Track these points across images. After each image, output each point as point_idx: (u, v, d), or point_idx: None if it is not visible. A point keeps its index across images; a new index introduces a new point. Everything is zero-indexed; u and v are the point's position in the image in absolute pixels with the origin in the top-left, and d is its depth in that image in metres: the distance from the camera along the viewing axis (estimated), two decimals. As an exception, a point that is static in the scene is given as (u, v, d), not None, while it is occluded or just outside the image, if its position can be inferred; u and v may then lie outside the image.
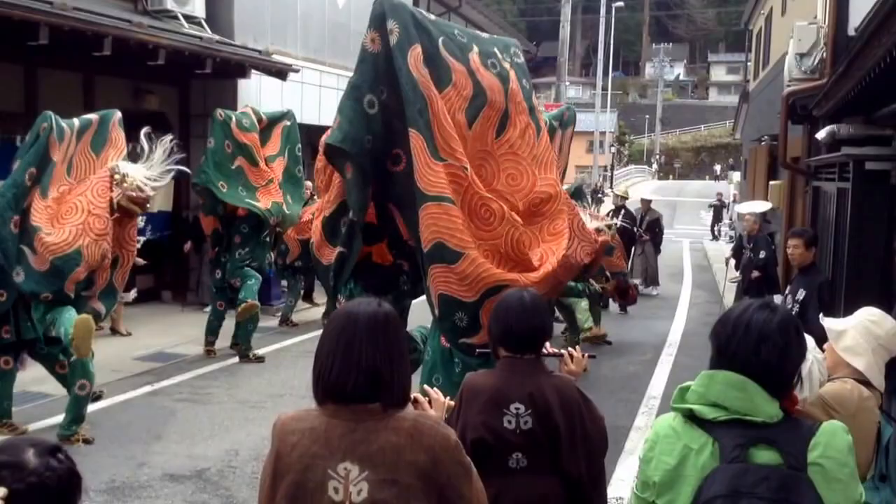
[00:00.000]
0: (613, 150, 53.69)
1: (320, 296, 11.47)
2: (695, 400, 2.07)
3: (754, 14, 23.39)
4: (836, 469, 1.97)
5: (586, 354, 3.40)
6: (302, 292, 11.87)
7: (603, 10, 42.01)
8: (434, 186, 4.39)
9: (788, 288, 6.99)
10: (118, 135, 6.98)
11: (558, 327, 9.16)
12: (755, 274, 10.13)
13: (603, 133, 47.11)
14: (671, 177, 62.38)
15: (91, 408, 6.90)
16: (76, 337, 5.92)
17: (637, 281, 14.76)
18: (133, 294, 9.96)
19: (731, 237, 24.77)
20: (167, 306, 12.03)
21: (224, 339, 9.35)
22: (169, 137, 6.93)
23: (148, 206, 6.87)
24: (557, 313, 9.50)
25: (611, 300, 13.39)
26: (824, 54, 9.50)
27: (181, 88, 12.31)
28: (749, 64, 26.13)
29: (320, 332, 2.34)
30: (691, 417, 2.07)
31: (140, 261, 9.68)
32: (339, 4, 15.20)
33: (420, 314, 5.54)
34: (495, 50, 4.96)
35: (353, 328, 2.19)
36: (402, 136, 4.47)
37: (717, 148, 64.23)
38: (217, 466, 6.02)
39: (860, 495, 2.01)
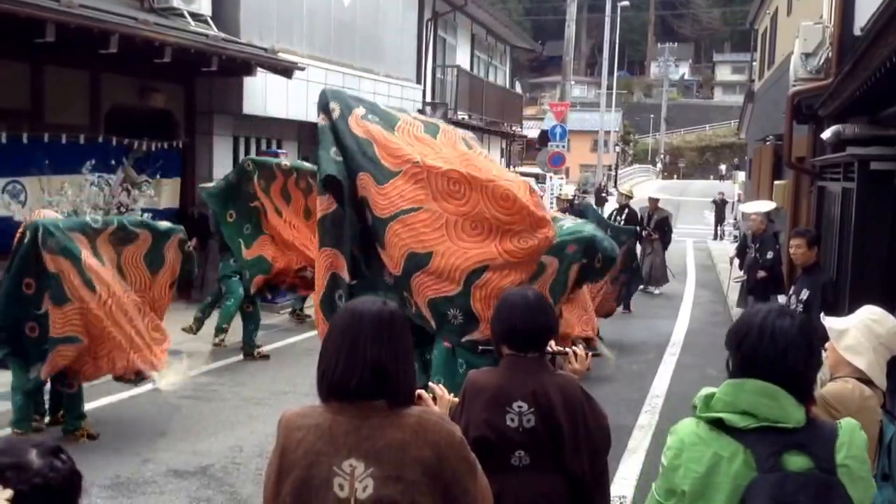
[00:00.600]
0: (618, 149, 53.66)
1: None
2: (722, 408, 2.08)
3: (760, 14, 23.36)
4: (859, 467, 2.01)
5: (590, 353, 3.41)
6: None
7: (608, 10, 41.98)
8: (386, 208, 4.52)
9: (792, 288, 6.99)
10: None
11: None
12: (761, 274, 10.13)
13: (607, 132, 47.02)
14: (675, 176, 62.30)
15: (95, 404, 6.94)
16: None
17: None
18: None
19: (734, 237, 24.75)
20: (172, 303, 12.01)
21: (234, 334, 9.38)
22: None
23: None
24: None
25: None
26: (830, 54, 9.49)
27: (187, 86, 12.33)
28: (754, 64, 26.09)
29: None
30: (718, 425, 2.07)
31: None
32: (344, 3, 15.22)
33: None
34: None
35: (357, 326, 2.19)
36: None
37: (721, 148, 64.16)
38: (221, 463, 6.05)
39: (875, 490, 2.05)
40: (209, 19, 11.70)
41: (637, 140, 68.12)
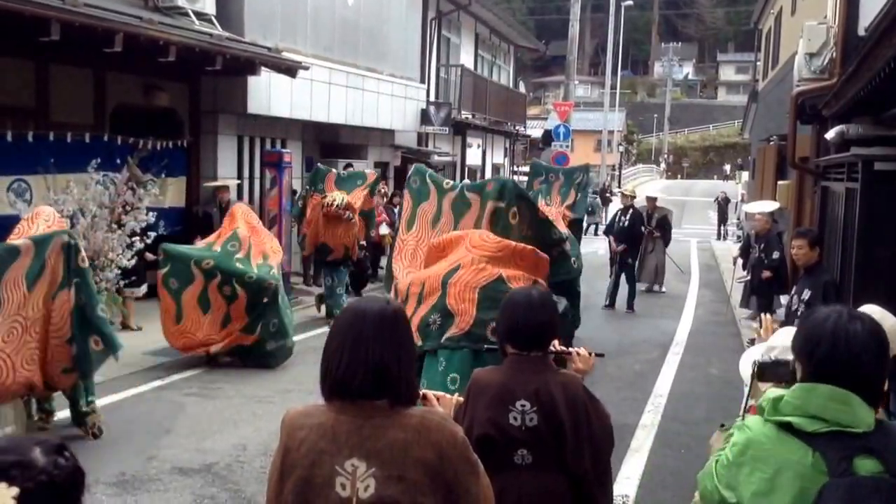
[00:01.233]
0: (621, 149, 53.55)
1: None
2: (791, 412, 2.08)
3: (764, 13, 23.34)
4: None
5: (593, 353, 3.42)
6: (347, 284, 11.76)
7: (612, 9, 41.92)
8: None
9: (794, 288, 6.99)
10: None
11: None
12: (766, 274, 10.14)
13: (611, 132, 47.00)
14: (679, 176, 62.25)
15: (101, 402, 6.94)
16: None
17: (644, 286, 14.78)
18: (143, 289, 10.03)
19: (737, 237, 24.74)
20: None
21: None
22: None
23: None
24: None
25: (615, 299, 13.42)
26: (834, 54, 9.49)
27: (191, 85, 12.36)
28: (758, 63, 26.08)
29: (328, 329, 2.36)
30: (786, 427, 2.09)
31: (150, 256, 9.75)
32: (348, 2, 15.23)
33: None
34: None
35: (360, 325, 2.19)
36: None
37: (725, 147, 64.07)
38: (225, 461, 6.07)
39: None
40: (213, 18, 11.72)
41: (641, 140, 68.04)
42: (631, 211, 13.93)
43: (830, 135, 8.11)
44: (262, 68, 11.74)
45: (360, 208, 11.11)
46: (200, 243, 9.39)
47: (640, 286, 14.33)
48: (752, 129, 26.25)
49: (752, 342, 8.68)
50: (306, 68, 12.40)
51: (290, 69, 12.06)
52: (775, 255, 10.04)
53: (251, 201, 13.00)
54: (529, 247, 4.52)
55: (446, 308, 4.50)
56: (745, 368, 3.10)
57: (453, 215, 6.19)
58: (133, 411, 7.17)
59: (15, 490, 1.37)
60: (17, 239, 6.08)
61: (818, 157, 10.26)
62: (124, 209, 9.43)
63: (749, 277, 11.65)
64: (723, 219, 28.15)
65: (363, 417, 2.14)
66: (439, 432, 2.16)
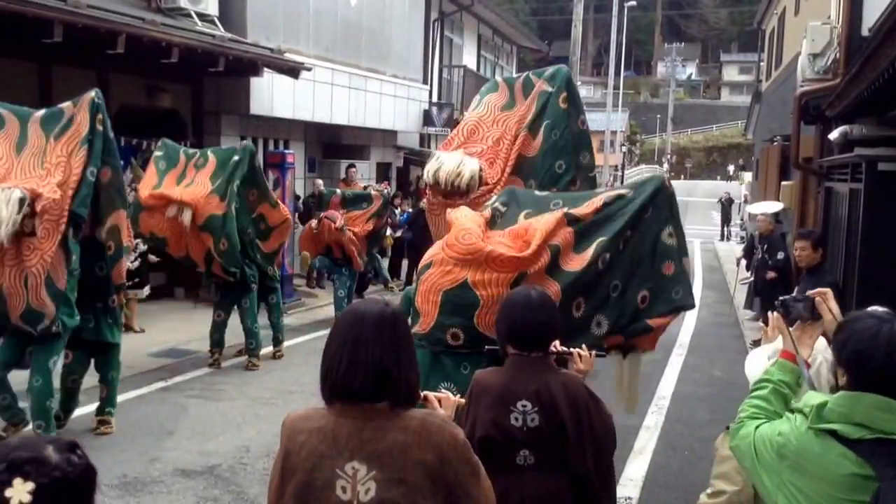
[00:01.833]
0: (624, 149, 53.53)
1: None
2: (835, 419, 2.13)
3: (767, 14, 23.31)
4: None
5: (594, 353, 3.42)
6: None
7: (615, 10, 41.89)
8: None
9: (797, 289, 6.98)
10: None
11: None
12: (771, 275, 10.10)
13: (614, 132, 46.99)
14: (682, 177, 62.18)
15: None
16: None
17: None
18: (146, 291, 10.04)
19: (741, 238, 24.70)
20: (180, 303, 12.09)
21: (237, 335, 9.39)
22: None
23: None
24: None
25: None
26: (837, 54, 9.47)
27: (194, 86, 12.37)
28: (762, 64, 26.04)
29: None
30: (829, 433, 2.14)
31: (153, 258, 9.76)
32: (351, 2, 15.23)
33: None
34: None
35: (360, 326, 2.19)
36: None
37: (728, 148, 64.01)
38: (228, 463, 6.06)
39: None
40: (216, 19, 11.73)
41: (644, 140, 67.99)
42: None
43: (834, 135, 8.10)
44: (265, 69, 11.75)
45: (364, 231, 11.10)
46: None
47: None
48: (755, 129, 26.21)
49: (755, 343, 8.68)
50: (309, 69, 12.41)
51: (292, 70, 12.07)
52: (779, 255, 10.00)
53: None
54: (508, 255, 4.37)
55: (415, 307, 4.47)
56: (751, 370, 3.08)
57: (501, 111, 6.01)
58: (136, 413, 7.17)
59: (30, 485, 1.39)
60: None
61: (822, 157, 10.24)
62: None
63: (753, 279, 11.62)
64: (726, 219, 28.12)
65: (363, 420, 2.14)
66: (440, 434, 2.15)
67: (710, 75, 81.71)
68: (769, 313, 2.73)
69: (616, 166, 48.46)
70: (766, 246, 10.70)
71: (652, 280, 4.73)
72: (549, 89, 5.83)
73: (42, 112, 6.24)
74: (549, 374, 3.05)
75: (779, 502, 2.23)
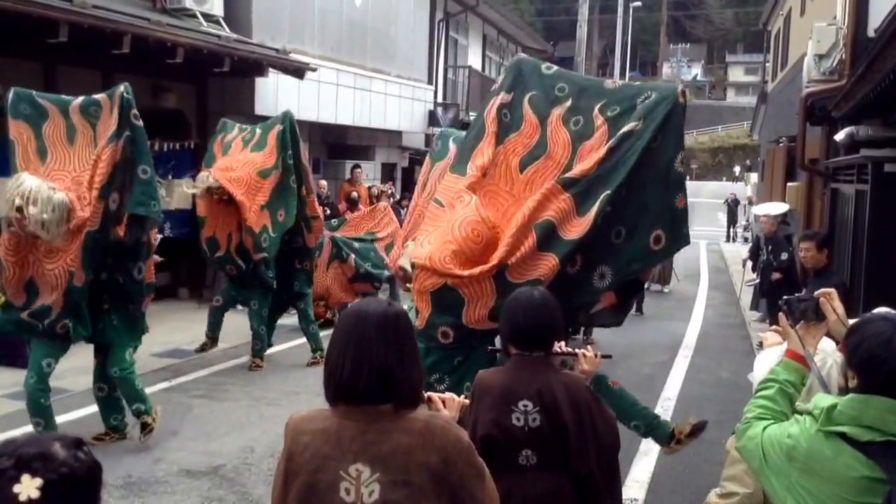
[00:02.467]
0: (630, 150, 53.47)
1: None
2: (845, 421, 2.14)
3: (773, 15, 23.28)
4: None
5: (599, 354, 3.40)
6: None
7: (620, 10, 41.93)
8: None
9: (804, 291, 6.96)
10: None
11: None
12: (776, 276, 10.09)
13: (619, 133, 46.89)
14: (688, 177, 61.94)
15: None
16: None
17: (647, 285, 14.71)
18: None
19: (746, 239, 24.65)
20: (184, 303, 12.09)
21: (240, 336, 9.40)
22: None
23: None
24: None
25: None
26: (843, 55, 9.45)
27: (199, 86, 12.37)
28: (767, 65, 26.01)
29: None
30: (840, 436, 2.15)
31: (157, 258, 9.75)
32: (356, 3, 15.24)
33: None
34: (595, 106, 4.82)
35: (363, 326, 2.18)
36: None
37: (734, 149, 63.87)
38: (233, 463, 6.06)
39: None
40: (221, 20, 11.74)
41: (649, 141, 67.89)
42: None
43: (840, 136, 8.08)
44: (270, 70, 11.76)
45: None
46: None
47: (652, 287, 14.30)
48: (761, 130, 26.18)
49: (761, 344, 8.65)
50: (314, 69, 12.41)
51: (297, 70, 12.08)
52: (783, 256, 9.99)
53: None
54: (478, 270, 4.32)
55: (412, 304, 4.62)
56: (759, 372, 3.07)
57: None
58: (140, 413, 7.16)
59: (39, 481, 1.41)
60: None
61: (828, 158, 10.22)
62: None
63: (759, 280, 11.60)
64: (732, 221, 28.04)
65: (367, 422, 2.13)
66: (444, 436, 2.14)
67: (716, 76, 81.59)
68: (779, 314, 2.73)
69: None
70: (770, 247, 10.68)
71: (667, 215, 4.46)
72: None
73: (80, 100, 6.19)
74: (550, 375, 3.05)
75: None
